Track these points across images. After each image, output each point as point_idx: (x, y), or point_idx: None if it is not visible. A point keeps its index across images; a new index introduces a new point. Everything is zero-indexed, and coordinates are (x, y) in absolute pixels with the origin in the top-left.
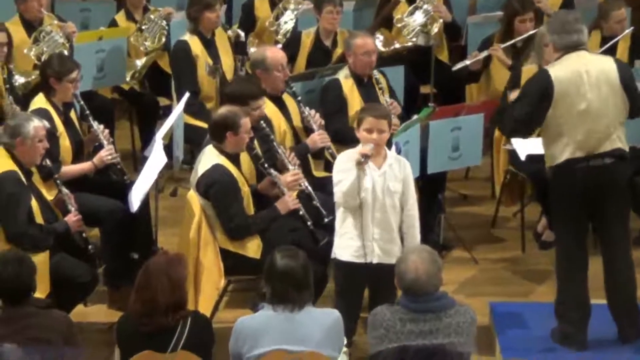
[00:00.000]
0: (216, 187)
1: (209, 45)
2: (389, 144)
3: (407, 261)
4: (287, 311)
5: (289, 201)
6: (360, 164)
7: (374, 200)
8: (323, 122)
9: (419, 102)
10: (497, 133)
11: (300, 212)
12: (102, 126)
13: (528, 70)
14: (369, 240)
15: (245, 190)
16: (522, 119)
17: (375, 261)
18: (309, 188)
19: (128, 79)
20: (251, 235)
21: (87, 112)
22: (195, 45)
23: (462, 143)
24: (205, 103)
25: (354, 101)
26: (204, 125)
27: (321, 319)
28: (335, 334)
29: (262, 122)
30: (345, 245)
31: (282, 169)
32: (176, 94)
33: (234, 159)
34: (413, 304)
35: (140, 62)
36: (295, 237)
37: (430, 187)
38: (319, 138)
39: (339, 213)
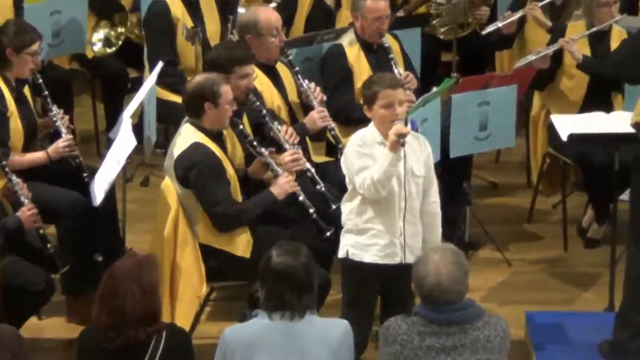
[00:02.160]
0: (196, 170)
1: (192, 6)
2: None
3: (427, 263)
4: (286, 319)
5: (284, 183)
6: (402, 146)
7: (400, 188)
8: (324, 97)
9: (440, 72)
10: (535, 108)
11: (300, 198)
12: (61, 111)
13: (574, 27)
14: (396, 237)
15: (232, 173)
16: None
17: (406, 261)
18: (312, 170)
19: (97, 47)
20: (242, 225)
21: (46, 92)
22: (176, 6)
23: (492, 121)
24: (186, 75)
25: (362, 72)
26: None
27: (327, 331)
28: (346, 349)
29: (250, 95)
30: (366, 244)
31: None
32: (149, 63)
33: (216, 137)
34: (433, 314)
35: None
36: (292, 230)
37: (453, 174)
38: (319, 116)
39: (352, 205)
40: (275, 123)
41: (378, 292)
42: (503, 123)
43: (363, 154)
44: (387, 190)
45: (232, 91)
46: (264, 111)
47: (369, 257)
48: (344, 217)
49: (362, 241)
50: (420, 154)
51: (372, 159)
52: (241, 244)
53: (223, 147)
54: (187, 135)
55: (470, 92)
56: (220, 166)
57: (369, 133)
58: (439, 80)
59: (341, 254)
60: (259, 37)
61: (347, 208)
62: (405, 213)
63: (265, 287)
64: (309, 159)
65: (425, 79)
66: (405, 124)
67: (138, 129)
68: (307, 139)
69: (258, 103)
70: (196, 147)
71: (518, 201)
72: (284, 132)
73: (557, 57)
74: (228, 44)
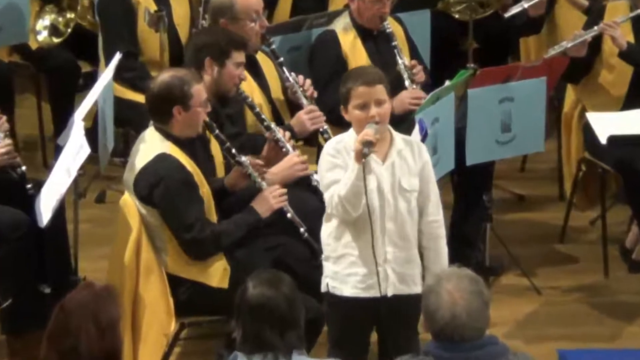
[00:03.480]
0: (163, 186)
1: None
2: (407, 124)
3: (439, 292)
4: None
5: (269, 197)
6: (363, 157)
7: (382, 205)
8: (315, 93)
9: (454, 62)
10: (567, 105)
11: (289, 215)
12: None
13: (614, 7)
14: (379, 264)
15: (205, 190)
16: None
17: (391, 293)
18: (315, 177)
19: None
20: (219, 251)
21: None
22: None
23: (516, 120)
24: (150, 69)
25: (358, 63)
26: (143, 100)
27: None
28: None
29: (241, 90)
30: (345, 274)
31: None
32: (104, 55)
33: (187, 146)
34: (448, 353)
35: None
36: (279, 254)
37: (470, 185)
38: (308, 117)
39: (330, 227)
40: (273, 124)
41: (370, 329)
42: (530, 123)
43: (335, 165)
44: (358, 210)
45: (226, 81)
46: (257, 109)
47: (349, 289)
48: (322, 242)
49: (340, 271)
50: (413, 163)
51: (345, 171)
52: (216, 274)
53: (195, 157)
54: (151, 143)
55: (490, 87)
56: (191, 181)
57: (347, 139)
58: (453, 72)
59: (322, 286)
60: (236, 21)
61: (326, 231)
62: (393, 235)
63: (241, 325)
64: None
65: (437, 71)
66: (411, 126)
67: (92, 134)
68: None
69: (250, 99)
70: (163, 158)
71: (548, 217)
72: (282, 132)
73: (595, 45)
74: (213, 28)
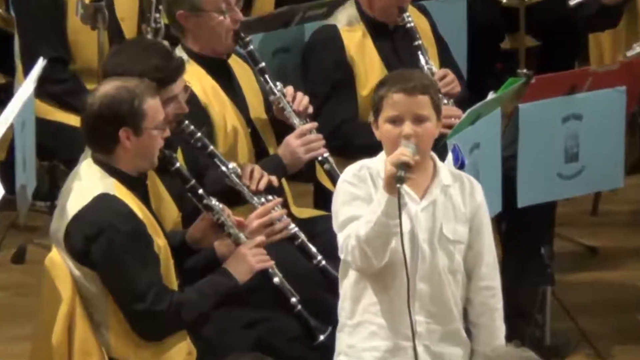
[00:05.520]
0: (105, 240)
1: None
2: (437, 149)
3: None
4: None
5: (249, 255)
6: (398, 183)
7: (414, 257)
8: (310, 108)
9: (500, 67)
10: None
11: (276, 280)
12: None
13: None
14: (407, 337)
15: (161, 243)
16: None
17: None
18: (302, 236)
19: None
20: (180, 328)
21: None
22: None
23: (585, 146)
24: (84, 80)
25: (368, 69)
26: (78, 122)
27: None
28: None
29: (185, 123)
30: (362, 348)
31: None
32: (22, 62)
33: (137, 185)
34: None
35: None
36: (262, 333)
37: (523, 234)
38: (301, 142)
39: (347, 285)
40: (232, 166)
41: None
42: (604, 150)
43: (356, 197)
44: (382, 258)
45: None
46: (211, 148)
47: None
48: (339, 305)
49: (358, 344)
50: (463, 206)
51: (368, 204)
52: (178, 358)
53: (146, 200)
54: (89, 181)
55: (549, 100)
56: (143, 233)
57: (374, 163)
58: (498, 80)
59: None
60: (198, 14)
61: (342, 290)
62: (427, 299)
63: None
64: (289, 214)
65: (476, 80)
66: (442, 154)
67: (6, 169)
68: (284, 181)
69: (199, 135)
70: (104, 201)
71: (629, 277)
72: (247, 178)
73: None
74: (135, 49)
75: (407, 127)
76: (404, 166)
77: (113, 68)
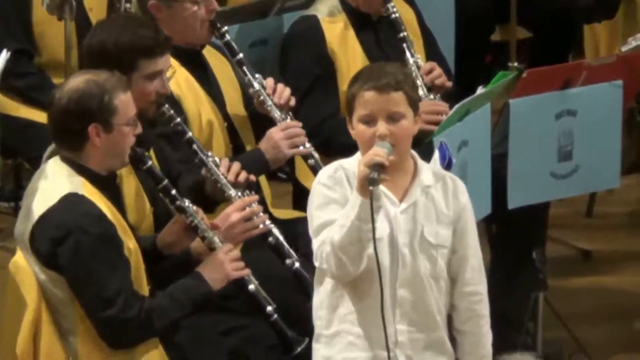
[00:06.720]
0: (72, 242)
1: None
2: (422, 148)
3: None
4: None
5: (225, 262)
6: (371, 185)
7: (394, 261)
8: (292, 100)
9: (489, 60)
10: None
11: (251, 287)
12: None
13: None
14: (386, 346)
15: (132, 246)
16: None
17: None
18: (278, 234)
19: None
20: (150, 335)
21: None
22: None
23: (580, 144)
24: (51, 74)
25: (350, 62)
26: (44, 118)
27: None
28: None
29: (165, 107)
30: (342, 359)
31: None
32: None
33: (106, 184)
34: None
35: None
36: (238, 341)
37: (514, 237)
38: (285, 135)
39: (322, 293)
40: (210, 154)
41: None
42: (599, 148)
43: (331, 201)
44: (358, 264)
45: (137, 101)
46: (189, 134)
47: None
48: (314, 316)
49: (335, 355)
50: (445, 207)
51: (343, 207)
52: None
53: (116, 200)
54: (55, 181)
55: (542, 95)
56: (113, 236)
57: (349, 165)
58: (488, 73)
59: None
60: (171, 4)
61: (317, 299)
62: (408, 306)
63: None
64: (266, 211)
65: (464, 73)
66: (427, 153)
67: None
68: (264, 178)
69: (179, 120)
70: (72, 201)
71: (625, 282)
72: (225, 169)
73: None
74: (123, 20)
75: (382, 127)
76: (378, 167)
77: (100, 41)
